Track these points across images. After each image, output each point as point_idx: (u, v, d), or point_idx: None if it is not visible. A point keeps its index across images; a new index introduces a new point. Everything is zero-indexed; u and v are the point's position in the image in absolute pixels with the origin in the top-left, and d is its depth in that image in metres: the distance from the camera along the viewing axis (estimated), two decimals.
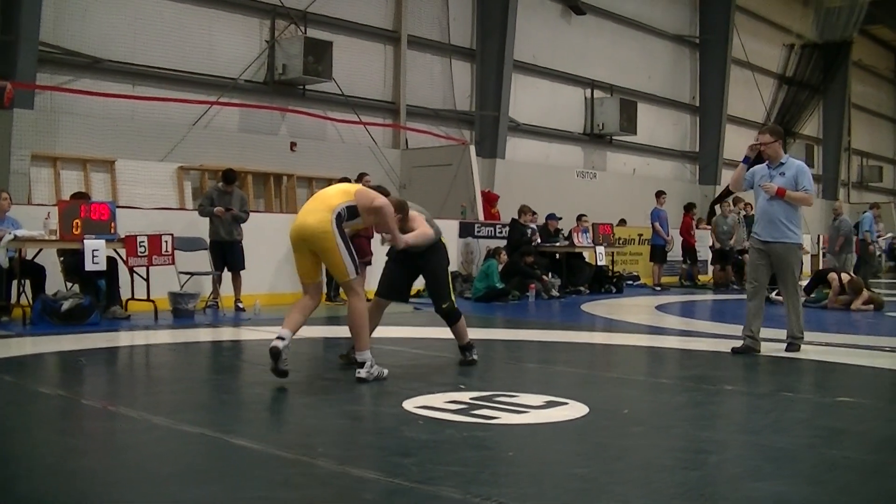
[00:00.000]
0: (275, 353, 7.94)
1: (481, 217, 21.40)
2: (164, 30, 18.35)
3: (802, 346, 10.67)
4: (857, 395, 8.20)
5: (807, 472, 5.40)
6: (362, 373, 8.15)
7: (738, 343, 10.76)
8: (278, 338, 8.00)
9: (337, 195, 8.37)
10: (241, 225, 15.02)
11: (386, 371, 8.35)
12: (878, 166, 46.98)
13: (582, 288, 20.38)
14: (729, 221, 23.44)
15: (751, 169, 11.29)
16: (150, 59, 18.16)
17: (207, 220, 14.90)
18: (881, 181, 46.97)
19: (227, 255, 14.95)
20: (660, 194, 23.60)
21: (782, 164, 10.80)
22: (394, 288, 9.56)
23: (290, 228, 8.36)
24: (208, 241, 14.94)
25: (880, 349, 11.29)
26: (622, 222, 25.65)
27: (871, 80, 46.80)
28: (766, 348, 10.78)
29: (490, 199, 22.79)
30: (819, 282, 17.88)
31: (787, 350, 10.67)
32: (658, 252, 23.27)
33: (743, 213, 23.81)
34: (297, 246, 8.29)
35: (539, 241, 20.58)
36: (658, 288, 22.54)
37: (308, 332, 10.42)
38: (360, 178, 17.46)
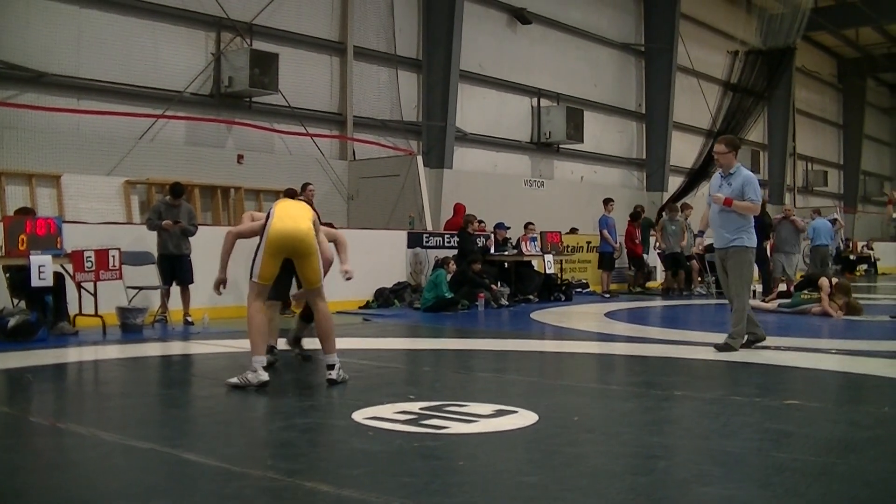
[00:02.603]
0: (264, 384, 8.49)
1: (429, 227, 21.39)
2: (108, 43, 18.23)
3: (762, 349, 11.01)
4: (804, 398, 8.27)
5: (755, 475, 5.45)
6: (333, 374, 8.69)
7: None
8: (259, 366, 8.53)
9: (307, 208, 9.00)
10: (190, 238, 14.95)
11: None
12: (822, 171, 47.46)
13: (531, 296, 20.43)
14: (678, 220, 23.64)
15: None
16: (94, 73, 18.03)
17: (155, 234, 14.82)
18: (826, 185, 47.44)
19: (176, 268, 14.87)
20: (608, 202, 23.74)
21: (731, 174, 11.17)
22: (283, 291, 10.00)
23: (277, 233, 8.54)
24: (156, 255, 14.86)
25: (826, 351, 11.40)
26: (573, 230, 25.75)
27: (814, 86, 47.28)
28: (713, 352, 10.90)
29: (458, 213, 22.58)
30: (806, 286, 17.71)
31: (717, 349, 11.13)
32: (606, 259, 23.40)
33: (689, 219, 24.02)
34: (281, 250, 8.59)
35: (493, 249, 20.69)
36: (607, 295, 22.64)
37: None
38: (303, 189, 17.46)
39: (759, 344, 11.39)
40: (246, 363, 8.66)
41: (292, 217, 8.64)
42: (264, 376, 8.38)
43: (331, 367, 8.71)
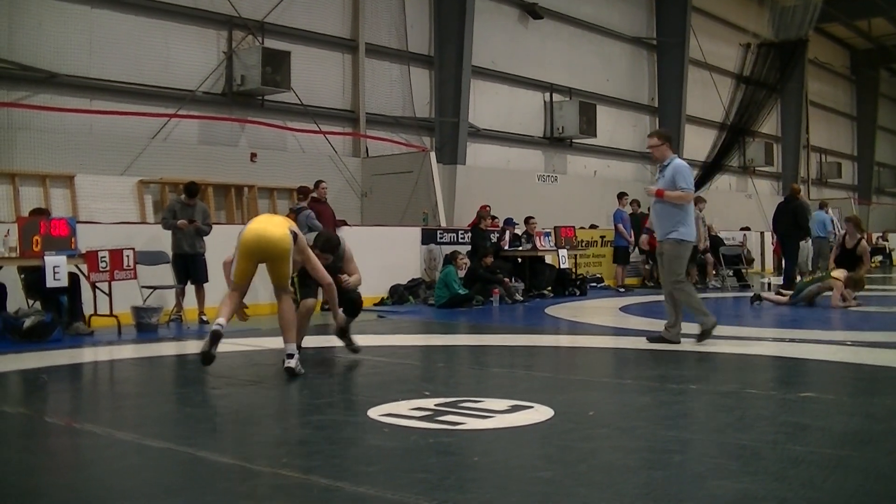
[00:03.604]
0: (216, 336, 8.99)
1: (443, 223, 21.37)
2: (120, 43, 18.27)
3: (777, 342, 11.00)
4: (819, 391, 8.27)
5: (771, 468, 5.43)
6: (292, 363, 9.01)
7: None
8: (217, 323, 9.08)
9: (287, 221, 9.52)
10: (204, 238, 14.95)
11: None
12: (836, 162, 47.40)
13: (545, 291, 20.39)
14: None
15: None
16: (106, 73, 18.07)
17: (170, 233, 14.83)
18: (840, 177, 47.38)
19: (190, 268, 14.88)
20: (622, 196, 23.73)
21: (665, 165, 11.21)
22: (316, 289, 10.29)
23: (248, 235, 9.14)
24: (171, 254, 14.86)
25: (841, 343, 11.36)
26: (593, 226, 25.69)
27: (827, 78, 47.18)
28: (729, 345, 10.88)
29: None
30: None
31: (698, 340, 11.29)
32: (621, 253, 23.38)
33: (704, 212, 23.98)
34: (253, 251, 9.15)
35: (507, 244, 20.65)
36: (622, 289, 22.61)
37: (273, 342, 10.41)
38: (316, 186, 17.50)
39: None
40: (260, 360, 8.71)
41: (263, 224, 9.29)
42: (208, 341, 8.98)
43: (289, 356, 9.08)
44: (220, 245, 14.82)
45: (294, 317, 9.36)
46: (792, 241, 20.67)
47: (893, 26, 45.32)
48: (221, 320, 9.06)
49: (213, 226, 15.25)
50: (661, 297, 20.21)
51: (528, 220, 21.27)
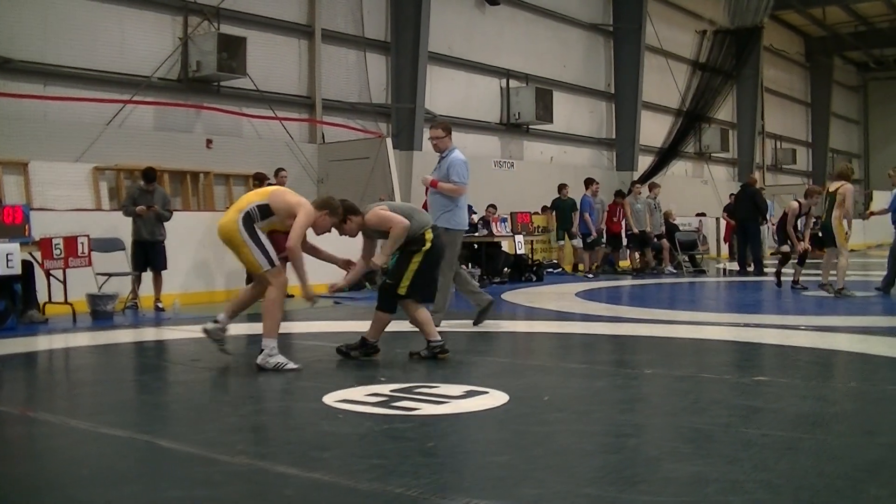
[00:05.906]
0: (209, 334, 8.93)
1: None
2: (74, 28, 18.09)
3: (729, 326, 10.98)
4: (773, 374, 8.36)
5: (724, 451, 5.49)
6: (259, 359, 8.56)
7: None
8: (213, 321, 8.93)
9: (250, 196, 8.99)
10: (164, 224, 14.86)
11: (292, 364, 8.58)
12: (791, 149, 47.78)
13: (501, 275, 20.47)
14: (641, 199, 23.72)
15: None
16: (60, 59, 17.90)
17: (129, 220, 14.73)
18: (795, 163, 47.75)
19: (150, 254, 14.79)
20: (590, 182, 23.76)
21: (444, 157, 11.44)
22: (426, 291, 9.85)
23: None
24: (130, 241, 14.77)
25: (795, 328, 11.46)
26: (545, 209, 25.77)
27: (782, 65, 47.47)
28: (684, 330, 10.94)
29: None
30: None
31: (475, 324, 11.84)
32: (587, 240, 23.39)
33: (658, 198, 24.11)
34: (225, 245, 8.83)
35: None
36: (590, 275, 22.68)
37: (230, 329, 10.38)
38: (276, 174, 17.45)
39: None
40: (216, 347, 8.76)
41: (225, 214, 9.00)
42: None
43: (261, 350, 8.62)
44: (178, 232, 14.81)
45: (273, 310, 8.66)
46: (754, 225, 21.13)
47: (847, 14, 45.67)
48: (221, 316, 9.02)
49: (173, 212, 15.15)
50: (618, 283, 20.41)
51: (488, 209, 21.37)
